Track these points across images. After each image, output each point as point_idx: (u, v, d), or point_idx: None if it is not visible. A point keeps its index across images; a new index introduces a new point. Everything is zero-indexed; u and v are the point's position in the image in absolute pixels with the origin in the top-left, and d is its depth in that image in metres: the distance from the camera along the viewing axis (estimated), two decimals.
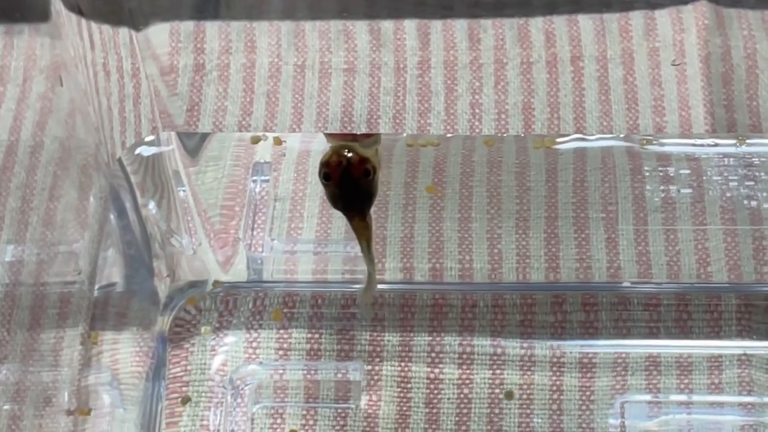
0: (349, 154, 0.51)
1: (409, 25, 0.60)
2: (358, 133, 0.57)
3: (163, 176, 0.59)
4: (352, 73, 0.60)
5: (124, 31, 0.53)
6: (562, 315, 0.60)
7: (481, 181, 0.62)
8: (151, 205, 0.59)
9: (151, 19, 0.54)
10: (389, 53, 0.60)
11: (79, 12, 0.52)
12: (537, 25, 0.61)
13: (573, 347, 0.59)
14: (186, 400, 0.59)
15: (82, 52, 0.54)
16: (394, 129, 0.62)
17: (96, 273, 0.57)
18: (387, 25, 0.60)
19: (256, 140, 0.62)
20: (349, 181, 0.51)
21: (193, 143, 0.60)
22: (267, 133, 0.61)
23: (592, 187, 0.62)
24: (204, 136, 0.60)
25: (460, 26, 0.61)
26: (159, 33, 0.56)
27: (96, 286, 0.57)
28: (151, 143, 0.58)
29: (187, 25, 0.59)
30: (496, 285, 0.60)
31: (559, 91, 0.60)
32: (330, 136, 0.54)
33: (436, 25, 0.61)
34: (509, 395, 0.59)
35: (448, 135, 0.62)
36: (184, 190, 0.60)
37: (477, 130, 0.61)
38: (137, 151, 0.58)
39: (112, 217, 0.58)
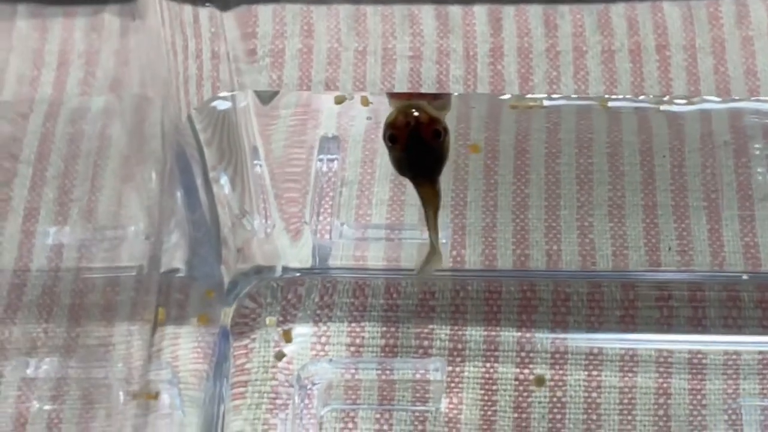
0: (417, 114, 0.47)
1: (479, 10, 0.57)
2: (426, 93, 0.53)
3: (237, 145, 0.54)
4: (419, 61, 0.57)
5: (205, 12, 0.50)
6: (668, 310, 0.54)
7: (569, 165, 0.57)
8: (224, 179, 0.54)
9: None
10: (458, 39, 0.57)
11: None
12: (618, 11, 0.58)
13: (681, 344, 0.54)
14: (281, 356, 0.53)
15: (162, 34, 0.50)
16: None
17: (160, 258, 0.52)
18: (455, 10, 0.57)
19: (340, 100, 0.56)
20: (418, 144, 0.47)
21: (270, 108, 0.55)
22: (355, 93, 0.56)
23: (692, 173, 0.57)
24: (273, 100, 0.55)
25: (534, 11, 0.58)
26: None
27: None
28: (225, 99, 0.52)
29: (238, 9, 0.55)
30: (592, 273, 0.55)
31: (644, 81, 0.57)
32: (394, 96, 0.49)
33: (509, 11, 0.58)
34: (608, 399, 0.53)
35: (555, 96, 0.57)
36: (260, 165, 0.55)
37: (555, 122, 0.58)
38: (212, 105, 0.52)
39: (178, 194, 0.53)
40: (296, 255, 0.56)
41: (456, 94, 0.57)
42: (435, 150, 0.47)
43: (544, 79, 0.57)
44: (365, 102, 0.56)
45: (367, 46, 0.57)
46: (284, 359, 0.54)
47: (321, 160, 0.57)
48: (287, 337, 0.54)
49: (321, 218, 0.57)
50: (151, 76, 0.50)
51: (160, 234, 0.52)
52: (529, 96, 0.57)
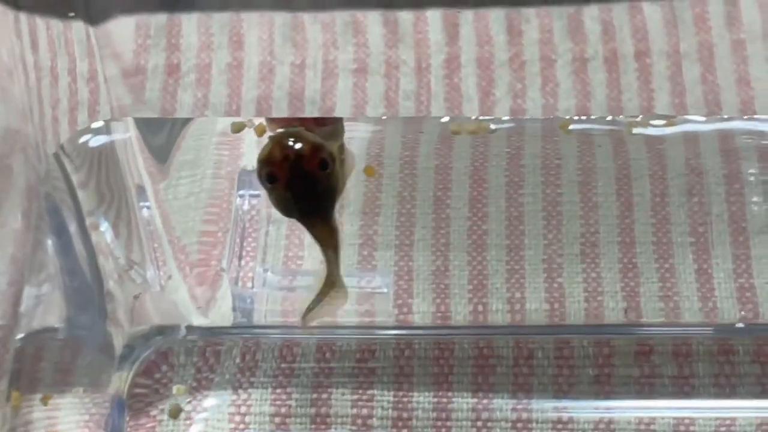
0: (297, 145, 0.42)
1: (433, 15, 0.53)
2: (309, 117, 0.48)
3: (119, 185, 0.48)
4: (364, 74, 0.53)
5: (78, 26, 0.45)
6: (650, 368, 0.49)
7: (534, 196, 0.53)
8: (104, 226, 0.48)
9: (112, 12, 0.47)
10: (408, 50, 0.53)
11: (14, 4, 0.44)
12: (592, 14, 0.53)
13: (665, 410, 0.48)
14: (177, 413, 0.48)
15: (20, 53, 0.45)
16: None
17: (18, 316, 0.46)
18: (405, 16, 0.53)
19: (239, 128, 0.52)
20: (302, 179, 0.42)
21: (161, 140, 0.50)
22: (255, 119, 0.51)
23: (676, 203, 0.52)
24: (173, 130, 0.51)
25: (496, 16, 0.53)
26: (121, 28, 0.48)
27: (20, 334, 0.46)
28: (98, 131, 0.47)
29: (159, 19, 0.51)
30: (559, 329, 0.50)
31: (622, 93, 0.52)
32: (273, 121, 0.44)
33: (467, 16, 0.53)
34: None
35: (504, 118, 0.53)
36: (148, 207, 0.49)
37: (518, 144, 0.54)
38: (83, 139, 0.47)
39: (49, 242, 0.47)
40: (213, 309, 0.51)
41: (402, 116, 0.53)
42: (324, 183, 0.42)
43: (507, 92, 0.53)
44: (261, 131, 0.51)
45: (305, 58, 0.53)
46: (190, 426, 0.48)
47: (242, 196, 0.53)
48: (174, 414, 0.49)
49: (242, 263, 0.52)
50: (7, 103, 0.45)
51: (19, 287, 0.46)
52: (475, 118, 0.53)
